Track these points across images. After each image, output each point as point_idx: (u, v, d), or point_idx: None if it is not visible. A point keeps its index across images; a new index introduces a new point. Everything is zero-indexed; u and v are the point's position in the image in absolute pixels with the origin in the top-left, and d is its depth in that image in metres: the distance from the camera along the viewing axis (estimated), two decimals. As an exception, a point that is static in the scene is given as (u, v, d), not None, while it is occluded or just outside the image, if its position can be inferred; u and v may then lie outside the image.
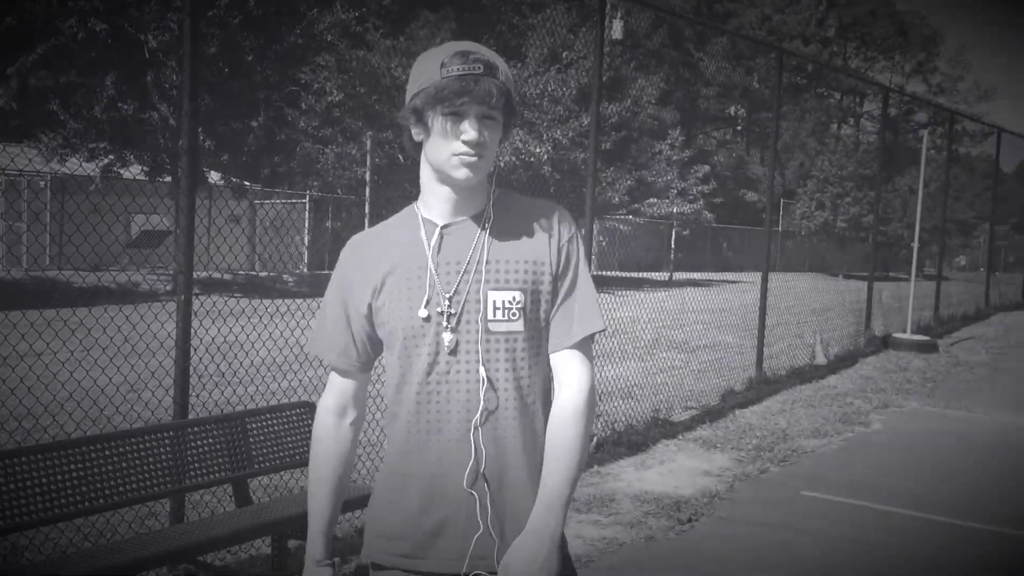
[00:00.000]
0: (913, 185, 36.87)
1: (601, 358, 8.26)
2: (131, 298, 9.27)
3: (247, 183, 20.76)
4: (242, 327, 6.62)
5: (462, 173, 1.74)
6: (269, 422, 3.88)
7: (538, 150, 19.35)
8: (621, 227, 28.47)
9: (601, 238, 25.89)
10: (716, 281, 25.02)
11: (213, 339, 5.59)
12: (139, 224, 17.24)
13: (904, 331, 11.88)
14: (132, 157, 17.93)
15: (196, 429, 3.72)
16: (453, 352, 1.76)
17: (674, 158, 28.81)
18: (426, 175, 1.82)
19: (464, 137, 1.70)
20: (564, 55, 21.93)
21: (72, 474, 3.29)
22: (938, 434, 7.26)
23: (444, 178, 1.78)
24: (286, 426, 3.93)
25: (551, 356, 1.83)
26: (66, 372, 5.08)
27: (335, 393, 1.89)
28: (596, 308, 1.86)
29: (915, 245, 12.11)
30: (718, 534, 4.79)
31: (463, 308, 1.77)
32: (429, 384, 1.77)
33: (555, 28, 21.51)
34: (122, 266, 11.77)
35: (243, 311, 6.93)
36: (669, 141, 29.05)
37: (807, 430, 7.08)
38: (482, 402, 1.76)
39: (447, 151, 1.73)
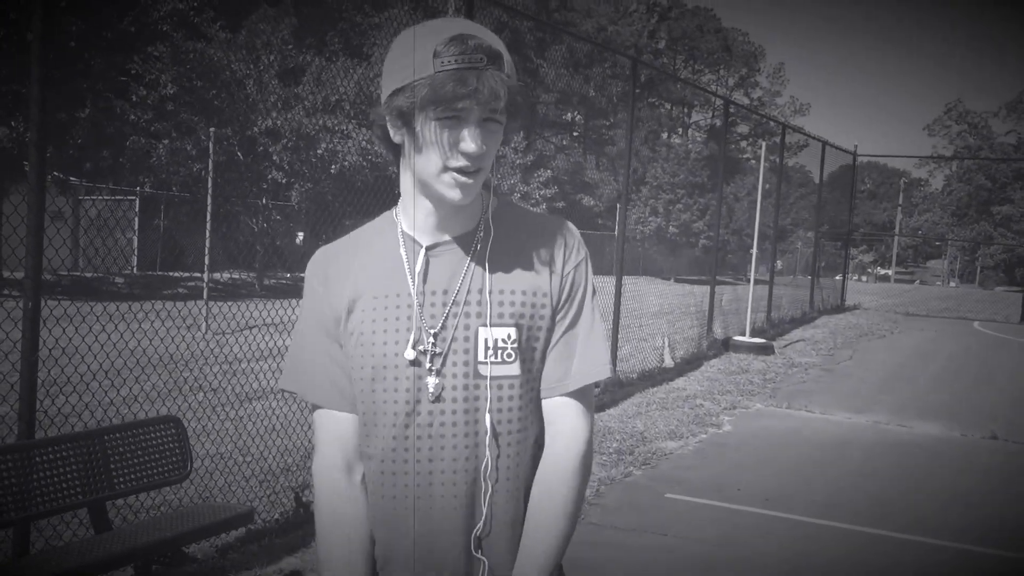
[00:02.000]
0: (738, 193, 38.87)
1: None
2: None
3: (71, 178, 19.48)
4: (75, 330, 6.13)
5: (455, 195, 1.42)
6: (130, 439, 3.57)
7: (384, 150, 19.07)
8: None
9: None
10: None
11: (54, 346, 5.13)
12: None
13: (743, 334, 12.41)
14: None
15: (46, 449, 3.38)
16: (437, 399, 1.46)
17: (517, 162, 29.16)
18: (407, 185, 1.51)
19: (463, 147, 1.37)
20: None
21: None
22: (784, 433, 7.59)
23: (431, 193, 1.47)
24: (149, 443, 3.63)
25: (543, 401, 1.54)
26: None
27: (336, 443, 1.54)
28: (603, 350, 1.56)
29: (754, 251, 12.67)
30: (590, 540, 4.79)
31: (449, 347, 1.47)
32: (408, 438, 1.47)
33: (399, 28, 21.36)
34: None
35: (73, 315, 6.43)
36: (513, 145, 29.38)
37: (664, 432, 7.24)
38: (471, 459, 1.47)
39: (439, 163, 1.40)
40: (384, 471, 1.49)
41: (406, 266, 1.51)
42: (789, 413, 8.41)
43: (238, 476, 5.62)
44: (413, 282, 1.50)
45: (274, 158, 17.83)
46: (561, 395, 1.52)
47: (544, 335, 1.52)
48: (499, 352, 1.47)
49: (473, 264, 1.50)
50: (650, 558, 4.60)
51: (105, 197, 22.07)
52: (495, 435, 1.48)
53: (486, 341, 1.47)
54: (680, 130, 61.10)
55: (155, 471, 3.61)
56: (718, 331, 12.57)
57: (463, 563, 1.49)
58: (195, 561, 4.37)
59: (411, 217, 1.52)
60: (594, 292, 1.59)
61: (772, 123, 19.23)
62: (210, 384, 8.63)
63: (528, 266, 1.52)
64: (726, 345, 12.01)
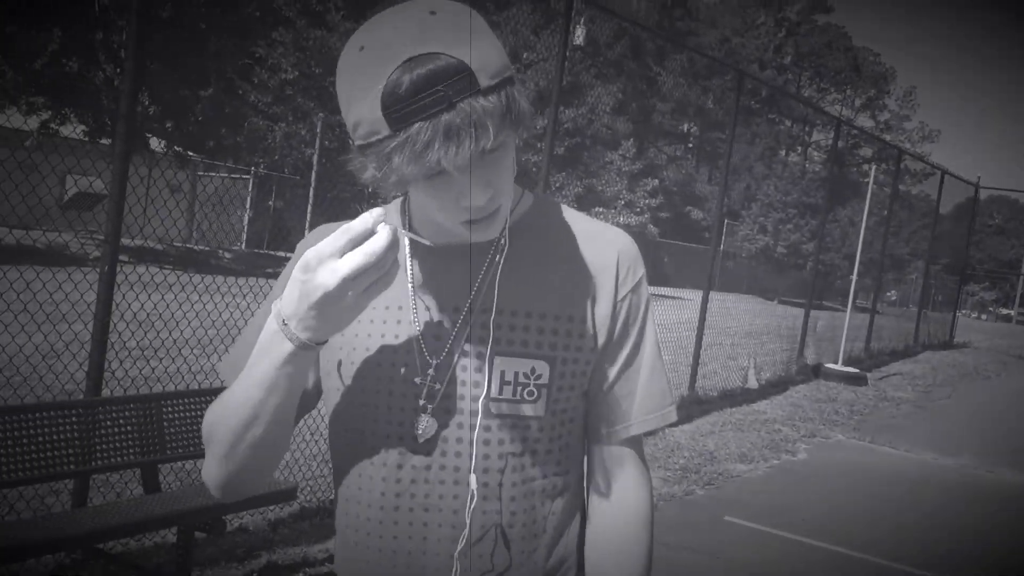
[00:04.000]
0: (854, 217, 37.74)
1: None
2: (58, 260, 8.92)
3: (191, 153, 20.29)
4: (172, 298, 6.39)
5: (482, 237, 1.15)
6: (185, 407, 3.70)
7: (490, 147, 19.27)
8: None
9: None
10: (655, 296, 25.18)
11: (135, 313, 5.36)
12: (74, 185, 16.70)
13: (835, 362, 12.04)
14: (72, 115, 17.38)
15: (107, 408, 3.53)
16: (434, 442, 1.19)
17: (624, 169, 28.98)
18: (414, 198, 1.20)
19: (465, 203, 1.08)
20: (525, 56, 21.88)
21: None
22: (861, 467, 7.33)
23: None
24: (203, 412, 3.74)
25: (593, 448, 1.29)
26: (-21, 334, 4.83)
27: None
28: (666, 392, 1.30)
29: (854, 277, 12.27)
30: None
31: (451, 377, 1.18)
32: (400, 482, 1.20)
33: (519, 28, 21.47)
34: (53, 227, 11.39)
35: (175, 283, 6.69)
36: (621, 152, 29.21)
37: (735, 454, 7.08)
38: (473, 521, 1.19)
39: (448, 219, 1.12)
40: (371, 518, 1.22)
41: (406, 270, 1.22)
42: (871, 448, 8.11)
43: (306, 454, 5.76)
44: (413, 293, 1.21)
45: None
46: (619, 442, 1.27)
47: (584, 370, 1.23)
48: (518, 389, 1.19)
49: (493, 273, 1.21)
50: (695, 579, 4.51)
51: (222, 175, 22.93)
52: (509, 490, 1.20)
53: (503, 374, 1.18)
54: (799, 148, 59.67)
55: (207, 440, 3.72)
56: (810, 356, 12.22)
57: None
58: (246, 532, 4.50)
59: (417, 219, 1.24)
60: (654, 321, 1.32)
61: (892, 148, 18.57)
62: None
63: (568, 285, 1.23)
64: (816, 371, 11.67)
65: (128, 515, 3.28)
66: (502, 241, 1.21)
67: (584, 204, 27.01)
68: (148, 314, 5.69)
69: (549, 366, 1.19)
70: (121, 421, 3.50)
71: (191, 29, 16.90)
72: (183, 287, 6.50)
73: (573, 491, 1.28)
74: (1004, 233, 73.88)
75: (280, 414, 1.13)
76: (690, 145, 57.20)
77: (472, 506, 1.18)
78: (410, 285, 1.22)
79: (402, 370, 1.19)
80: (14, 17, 16.01)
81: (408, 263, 1.23)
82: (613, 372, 1.25)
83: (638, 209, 29.02)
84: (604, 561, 1.26)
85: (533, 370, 1.18)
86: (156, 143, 19.39)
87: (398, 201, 1.30)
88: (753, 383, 10.17)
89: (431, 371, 1.18)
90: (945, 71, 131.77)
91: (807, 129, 60.20)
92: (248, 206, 22.74)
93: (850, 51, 60.85)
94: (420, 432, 1.17)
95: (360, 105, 1.02)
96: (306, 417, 5.21)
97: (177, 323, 7.11)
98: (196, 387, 5.53)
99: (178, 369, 7.47)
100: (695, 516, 5.48)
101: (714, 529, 5.28)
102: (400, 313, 1.21)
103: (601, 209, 28.66)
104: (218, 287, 8.43)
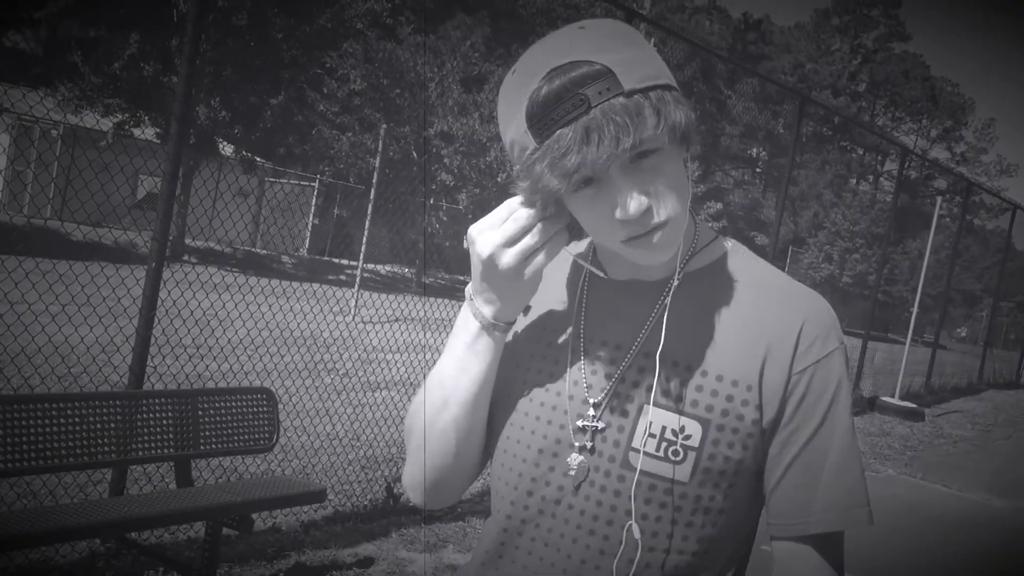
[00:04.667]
0: (924, 250, 36.97)
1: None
2: (127, 258, 9.19)
3: (259, 159, 20.73)
4: (229, 299, 6.53)
5: (645, 260, 1.08)
6: (222, 404, 3.78)
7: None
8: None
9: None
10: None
11: (192, 311, 5.50)
12: (146, 186, 17.19)
13: (892, 395, 11.77)
14: (147, 118, 17.91)
15: (147, 401, 3.63)
16: (577, 487, 1.12)
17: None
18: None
19: (620, 215, 1.03)
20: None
21: (18, 430, 3.20)
22: (910, 504, 7.14)
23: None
24: (239, 410, 3.82)
25: (773, 544, 1.14)
26: (38, 325, 4.99)
27: None
28: (860, 485, 1.11)
29: (914, 309, 12.01)
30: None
31: (608, 421, 1.12)
32: (518, 512, 1.16)
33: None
34: (124, 226, 11.72)
35: (233, 284, 6.84)
36: (687, 173, 29.04)
37: (778, 483, 6.96)
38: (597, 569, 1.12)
39: (608, 237, 1.08)
40: (504, 528, 1.18)
41: (577, 297, 1.20)
42: (922, 484, 7.90)
43: (343, 459, 5.83)
44: (579, 319, 1.18)
45: (444, 160, 18.37)
46: (798, 538, 1.11)
47: (745, 442, 1.10)
48: (665, 446, 1.09)
49: (661, 319, 1.13)
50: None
51: (291, 181, 23.38)
52: (647, 554, 1.10)
53: (649, 425, 1.10)
54: (870, 178, 58.63)
55: (241, 438, 3.79)
56: (866, 389, 11.97)
57: None
58: (277, 532, 4.57)
59: (602, 249, 1.21)
60: (850, 403, 1.14)
61: (962, 180, 18.14)
62: (344, 368, 8.98)
63: (739, 344, 1.12)
64: (872, 404, 11.42)
65: (158, 507, 3.36)
66: (674, 281, 1.13)
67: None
68: (204, 312, 5.83)
69: (702, 428, 1.08)
70: (158, 414, 3.59)
71: (265, 37, 17.32)
72: (239, 288, 6.65)
73: None
74: (1083, 273, 71.53)
75: (472, 398, 1.15)
76: (758, 170, 56.62)
77: (633, 556, 1.10)
78: (580, 318, 1.18)
79: (564, 403, 1.15)
80: (96, 21, 16.59)
81: (581, 292, 1.20)
82: (789, 456, 1.10)
83: (699, 232, 28.84)
84: None
85: (683, 428, 1.09)
86: (226, 148, 19.86)
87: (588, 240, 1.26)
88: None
89: (591, 411, 1.13)
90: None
91: (879, 158, 59.12)
92: (312, 213, 23.14)
93: (927, 80, 59.65)
94: (573, 470, 1.12)
95: (511, 124, 1.03)
96: (344, 424, 5.21)
97: (232, 323, 7.27)
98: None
99: (231, 368, 7.63)
100: None
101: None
102: (565, 340, 1.18)
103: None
104: (272, 290, 8.61)
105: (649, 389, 1.10)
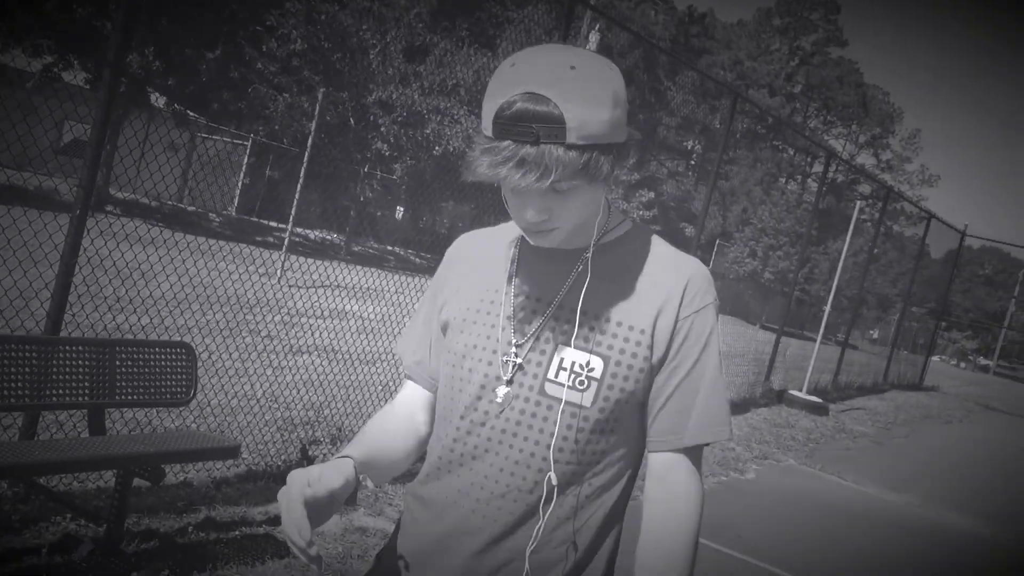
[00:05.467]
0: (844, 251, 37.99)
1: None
2: (48, 205, 8.99)
3: (192, 113, 20.30)
4: (154, 253, 6.46)
5: (537, 241, 1.39)
6: (140, 356, 3.78)
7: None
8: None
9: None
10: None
11: (115, 263, 5.43)
12: (74, 132, 16.72)
13: (800, 389, 12.18)
14: (76, 62, 17.38)
15: (64, 348, 3.61)
16: (502, 411, 1.41)
17: (623, 178, 29.09)
18: None
19: (525, 215, 1.34)
20: (535, 55, 21.92)
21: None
22: (807, 493, 7.46)
23: None
24: (157, 363, 3.83)
25: (651, 456, 1.45)
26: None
27: (407, 389, 1.61)
28: (724, 409, 1.44)
29: (827, 308, 12.42)
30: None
31: (526, 358, 1.41)
32: (470, 434, 1.44)
33: (532, 26, 21.50)
34: (48, 171, 11.42)
35: (158, 239, 6.77)
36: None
37: (684, 466, 7.19)
38: (526, 481, 1.40)
39: (516, 219, 1.39)
40: (441, 457, 1.47)
41: (508, 263, 1.48)
42: (819, 475, 8.25)
43: (259, 419, 5.85)
44: (510, 280, 1.47)
45: (381, 129, 18.25)
46: (674, 451, 1.41)
47: (638, 376, 1.40)
48: (573, 377, 1.38)
49: (574, 277, 1.42)
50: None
51: (223, 139, 22.94)
52: (557, 466, 1.39)
53: (562, 360, 1.39)
54: (799, 178, 59.92)
55: (157, 390, 3.81)
56: (776, 382, 12.36)
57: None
58: (188, 486, 4.59)
59: None
60: (719, 345, 1.46)
61: (881, 187, 18.72)
62: (267, 330, 8.95)
63: (634, 298, 1.41)
64: (780, 397, 11.81)
65: (70, 452, 3.36)
66: (586, 254, 1.43)
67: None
68: (127, 264, 5.77)
69: (603, 362, 1.38)
70: (74, 362, 3.58)
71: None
72: (164, 243, 6.58)
73: (613, 500, 1.47)
74: (992, 284, 74.27)
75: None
76: (692, 162, 57.38)
77: (545, 468, 1.39)
78: (506, 276, 1.48)
79: (488, 339, 1.44)
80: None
81: (510, 258, 1.49)
82: (672, 385, 1.41)
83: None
84: (652, 561, 1.42)
85: (588, 363, 1.38)
86: (158, 100, 19.39)
87: None
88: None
89: (514, 349, 1.41)
90: (952, 118, 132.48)
91: (808, 160, 60.45)
92: (243, 172, 22.76)
93: (860, 87, 61.11)
94: (499, 399, 1.40)
95: (489, 104, 1.27)
96: (264, 385, 5.24)
97: (154, 277, 7.20)
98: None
99: (151, 322, 7.56)
100: (630, 522, 5.58)
101: None
102: (496, 295, 1.47)
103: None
104: (198, 247, 8.51)
105: (563, 333, 1.39)
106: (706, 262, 37.24)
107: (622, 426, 1.42)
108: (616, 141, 1.29)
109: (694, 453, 1.43)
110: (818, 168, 60.16)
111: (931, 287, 24.82)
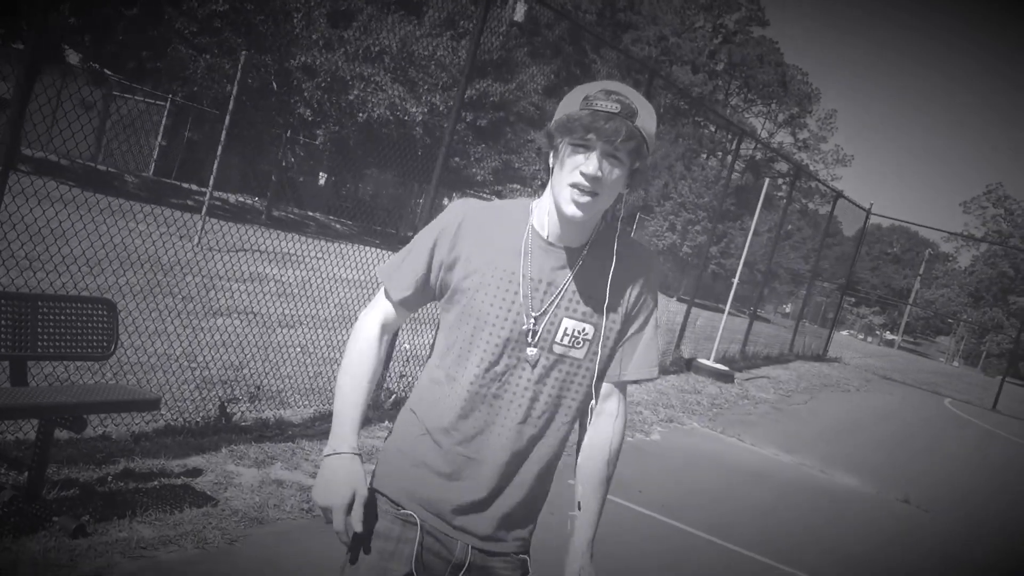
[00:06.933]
0: (759, 228, 39.01)
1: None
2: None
3: (108, 71, 19.82)
4: (67, 214, 6.45)
5: (571, 210, 1.82)
6: (62, 310, 3.89)
7: (414, 110, 19.36)
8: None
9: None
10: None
11: (28, 225, 5.44)
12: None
13: (708, 358, 12.68)
14: (-14, 16, 16.79)
15: (-16, 302, 3.70)
16: (535, 364, 1.91)
17: (545, 150, 29.28)
18: (548, 201, 1.92)
19: (583, 168, 1.77)
20: (461, 24, 21.98)
21: None
22: (707, 453, 7.88)
23: (558, 206, 1.85)
24: (79, 318, 3.94)
25: (604, 384, 1.99)
26: None
27: (381, 315, 2.03)
28: (655, 357, 2.02)
29: (735, 281, 12.93)
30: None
31: (543, 327, 1.90)
32: (484, 382, 1.91)
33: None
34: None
35: (72, 200, 6.75)
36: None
37: (592, 427, 7.52)
38: (533, 406, 1.92)
39: (566, 180, 1.80)
40: (469, 391, 1.92)
41: (523, 254, 1.92)
42: (720, 437, 8.70)
43: (178, 378, 5.95)
44: (524, 270, 1.91)
45: (305, 94, 18.11)
46: (617, 384, 1.99)
47: (614, 336, 1.96)
48: (572, 339, 1.92)
49: (575, 270, 1.93)
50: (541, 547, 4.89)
51: (138, 99, 22.43)
52: (551, 399, 1.93)
53: (566, 329, 1.92)
54: (719, 154, 61.10)
55: (79, 344, 3.92)
56: (686, 351, 12.84)
57: (492, 479, 1.94)
58: (108, 439, 4.71)
59: (543, 217, 1.93)
60: (658, 313, 2.05)
61: (792, 165, 19.35)
62: (185, 292, 8.96)
63: (615, 283, 1.95)
64: (688, 365, 12.28)
65: (-11, 403, 3.46)
66: (584, 252, 1.93)
67: (501, 179, 27.30)
68: (40, 227, 5.76)
69: (594, 329, 1.93)
70: (-4, 314, 3.67)
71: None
72: (77, 203, 6.56)
73: (578, 416, 2.00)
74: (900, 262, 77.09)
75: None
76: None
77: (534, 402, 1.93)
78: (522, 262, 1.91)
79: (511, 312, 1.90)
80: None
81: (524, 249, 1.92)
82: (627, 336, 1.98)
83: (528, 191, 29.43)
84: (590, 473, 2.00)
85: (584, 330, 1.92)
86: (71, 56, 18.88)
87: (527, 201, 1.99)
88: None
89: (532, 319, 1.90)
90: (867, 101, 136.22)
91: (730, 137, 61.63)
92: (161, 134, 22.32)
93: (780, 67, 62.46)
94: (530, 358, 1.90)
95: (571, 99, 1.84)
96: (182, 345, 5.36)
97: (69, 239, 7.17)
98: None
99: (63, 284, 7.53)
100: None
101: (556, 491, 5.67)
102: (513, 277, 1.91)
103: (518, 187, 29.01)
104: (116, 208, 8.47)
105: (567, 309, 1.91)
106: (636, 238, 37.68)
107: (593, 372, 1.95)
108: (647, 156, 1.82)
109: (625, 387, 2.01)
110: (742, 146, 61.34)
111: (842, 263, 25.77)
